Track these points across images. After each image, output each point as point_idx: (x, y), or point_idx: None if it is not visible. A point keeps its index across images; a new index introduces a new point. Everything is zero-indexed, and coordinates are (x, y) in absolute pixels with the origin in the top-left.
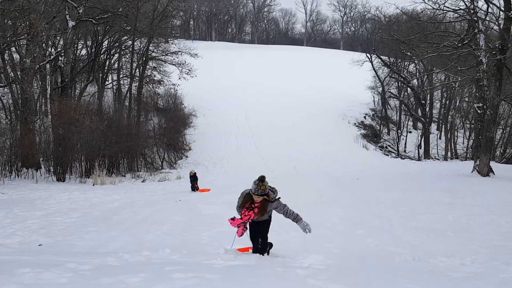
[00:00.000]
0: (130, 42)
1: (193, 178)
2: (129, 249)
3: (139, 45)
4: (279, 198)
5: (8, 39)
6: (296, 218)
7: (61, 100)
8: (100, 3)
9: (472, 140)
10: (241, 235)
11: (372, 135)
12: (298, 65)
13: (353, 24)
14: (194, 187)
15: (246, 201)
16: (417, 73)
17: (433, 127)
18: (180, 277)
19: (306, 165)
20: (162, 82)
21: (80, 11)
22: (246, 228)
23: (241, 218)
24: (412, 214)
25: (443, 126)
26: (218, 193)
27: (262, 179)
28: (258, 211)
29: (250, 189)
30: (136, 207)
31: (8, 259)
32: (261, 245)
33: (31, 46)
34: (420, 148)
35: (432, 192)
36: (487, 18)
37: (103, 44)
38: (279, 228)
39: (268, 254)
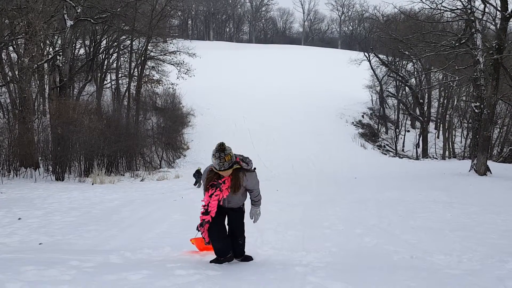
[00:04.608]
0: (129, 41)
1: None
2: (129, 247)
3: (138, 44)
4: (255, 169)
5: (6, 38)
6: (255, 201)
7: (60, 99)
8: (99, 3)
9: (469, 139)
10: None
11: (370, 134)
12: (296, 64)
13: (351, 23)
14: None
15: (210, 179)
16: (415, 72)
17: (431, 126)
18: (182, 274)
19: (304, 164)
20: (160, 82)
21: (78, 11)
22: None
23: (206, 209)
24: (410, 213)
25: (441, 125)
26: None
27: (221, 148)
28: (229, 185)
29: (212, 166)
30: (135, 205)
31: (11, 257)
32: (241, 243)
33: (29, 46)
34: (418, 147)
35: (430, 191)
36: (484, 18)
37: (102, 44)
38: (277, 227)
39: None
